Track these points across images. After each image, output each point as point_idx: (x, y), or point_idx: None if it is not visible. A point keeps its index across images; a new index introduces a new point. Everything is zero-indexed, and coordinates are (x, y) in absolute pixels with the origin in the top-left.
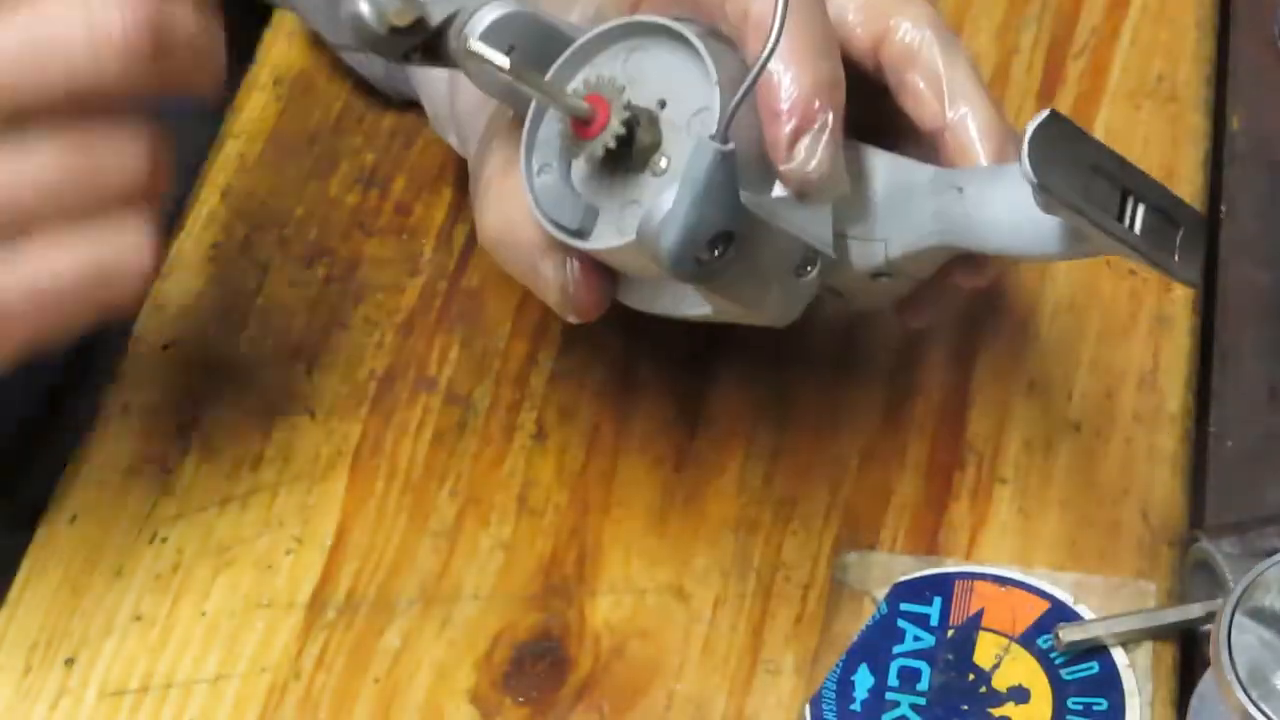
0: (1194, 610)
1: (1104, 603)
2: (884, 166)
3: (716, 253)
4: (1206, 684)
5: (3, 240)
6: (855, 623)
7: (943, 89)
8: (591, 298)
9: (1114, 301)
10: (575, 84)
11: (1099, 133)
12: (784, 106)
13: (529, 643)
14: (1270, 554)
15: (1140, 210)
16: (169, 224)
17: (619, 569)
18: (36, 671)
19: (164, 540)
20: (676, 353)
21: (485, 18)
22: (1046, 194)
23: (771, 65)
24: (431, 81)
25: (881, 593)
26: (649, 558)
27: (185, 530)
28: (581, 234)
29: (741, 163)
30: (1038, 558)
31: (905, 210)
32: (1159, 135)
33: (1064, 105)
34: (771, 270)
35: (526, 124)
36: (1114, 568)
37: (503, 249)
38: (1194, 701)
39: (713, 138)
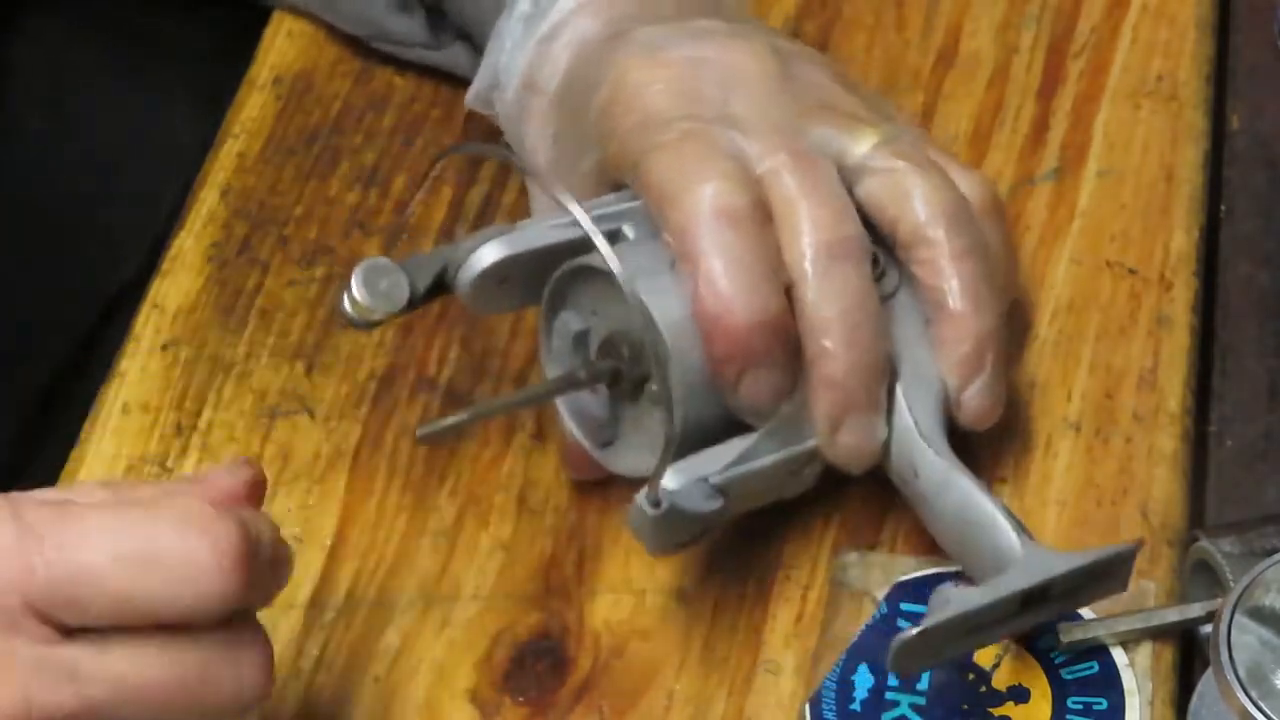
0: (1194, 610)
1: (1104, 602)
2: None
3: (703, 530)
4: (1206, 684)
5: None
6: (855, 623)
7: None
8: (577, 467)
9: (1114, 301)
10: (569, 309)
11: (1098, 132)
12: (724, 351)
13: (529, 643)
14: (1270, 553)
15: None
16: (169, 223)
17: (619, 569)
18: None
19: None
20: None
21: (473, 269)
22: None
23: (710, 304)
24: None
25: (881, 593)
26: (648, 558)
27: None
28: (606, 445)
29: (703, 380)
30: None
31: None
32: (1159, 135)
33: (1064, 104)
34: (775, 481)
35: (540, 336)
36: None
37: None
38: (1194, 701)
39: (647, 497)
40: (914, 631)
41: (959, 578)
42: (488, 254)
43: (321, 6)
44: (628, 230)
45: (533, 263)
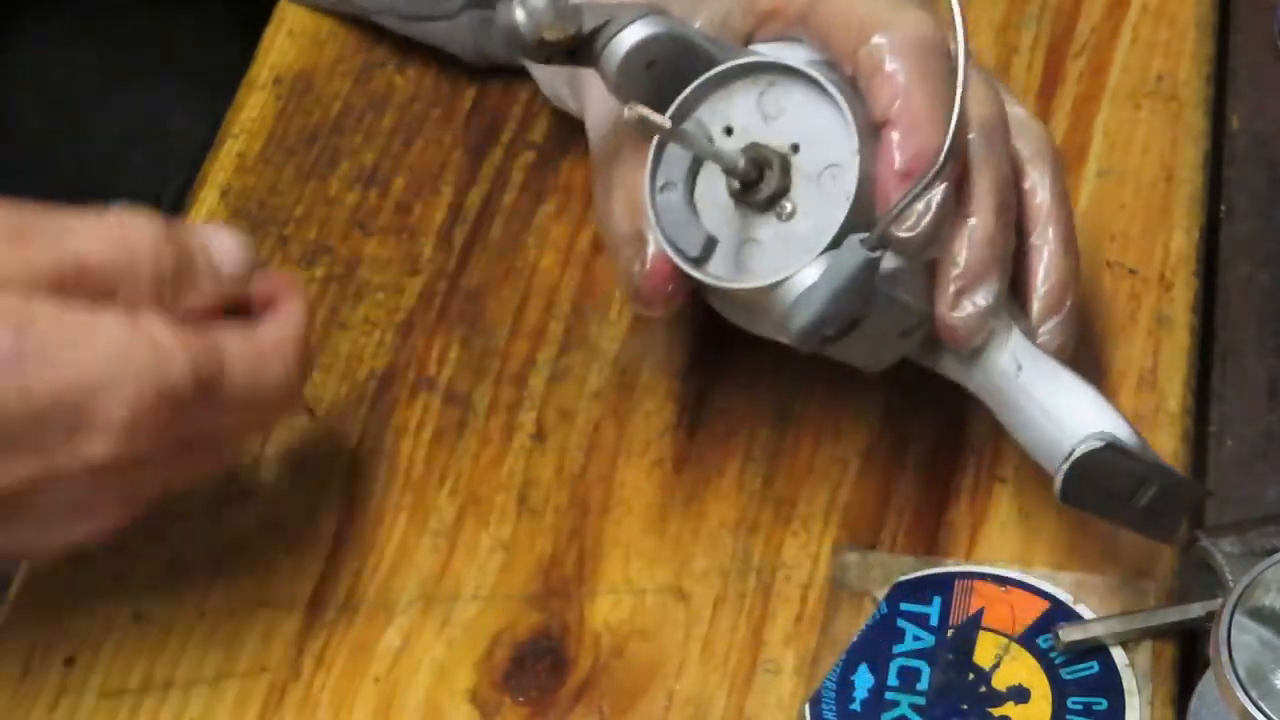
0: (1194, 610)
1: (1104, 602)
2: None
3: (840, 331)
4: (1206, 684)
5: None
6: (855, 623)
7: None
8: (656, 298)
9: (1114, 301)
10: (706, 112)
11: (1098, 132)
12: (904, 169)
13: (529, 643)
14: (1270, 553)
15: (1148, 493)
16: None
17: (619, 569)
18: (36, 671)
19: (164, 540)
20: (677, 354)
21: (631, 37)
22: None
23: (898, 125)
24: None
25: (881, 593)
26: (649, 558)
27: (185, 530)
28: (698, 261)
29: (866, 197)
30: (1037, 557)
31: None
32: (1159, 135)
33: (1064, 104)
34: (883, 336)
35: (654, 140)
36: (1114, 567)
37: (601, 226)
38: (1194, 701)
39: (863, 241)
40: (1099, 446)
41: (960, 578)
42: (647, 26)
43: None
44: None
45: (681, 56)
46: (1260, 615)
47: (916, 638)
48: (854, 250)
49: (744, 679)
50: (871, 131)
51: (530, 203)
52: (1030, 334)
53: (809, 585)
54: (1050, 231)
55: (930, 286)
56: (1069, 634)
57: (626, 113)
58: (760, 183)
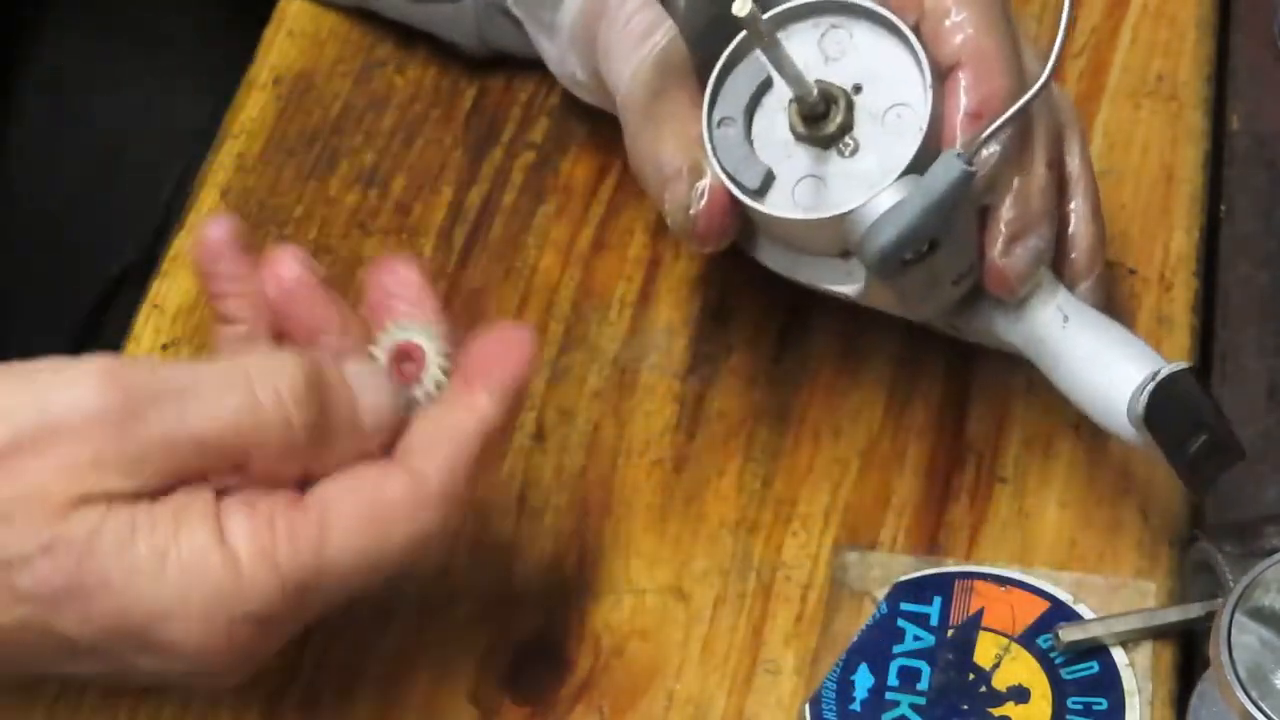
0: (1194, 610)
1: (1104, 602)
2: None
3: (916, 256)
4: (1206, 684)
5: None
6: (855, 623)
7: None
8: (712, 230)
9: (1114, 301)
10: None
11: (1098, 132)
12: (974, 110)
13: (529, 643)
14: (1270, 554)
15: (1200, 440)
16: (165, 222)
17: (619, 569)
18: None
19: None
20: (676, 354)
21: None
22: (1144, 433)
23: (967, 68)
24: (558, 11)
25: (881, 592)
26: (649, 558)
27: None
28: (756, 194)
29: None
30: (1037, 557)
31: None
32: (1159, 135)
33: None
34: (941, 275)
35: (714, 74)
36: (1114, 568)
37: (645, 167)
38: (1194, 701)
39: (959, 156)
40: (1184, 367)
41: (960, 578)
42: None
43: None
44: None
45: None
46: (1260, 615)
47: (916, 638)
48: (949, 165)
49: (744, 679)
50: (936, 76)
51: (530, 203)
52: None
53: (809, 585)
54: (1080, 198)
55: (981, 237)
56: (1069, 634)
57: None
58: (825, 118)
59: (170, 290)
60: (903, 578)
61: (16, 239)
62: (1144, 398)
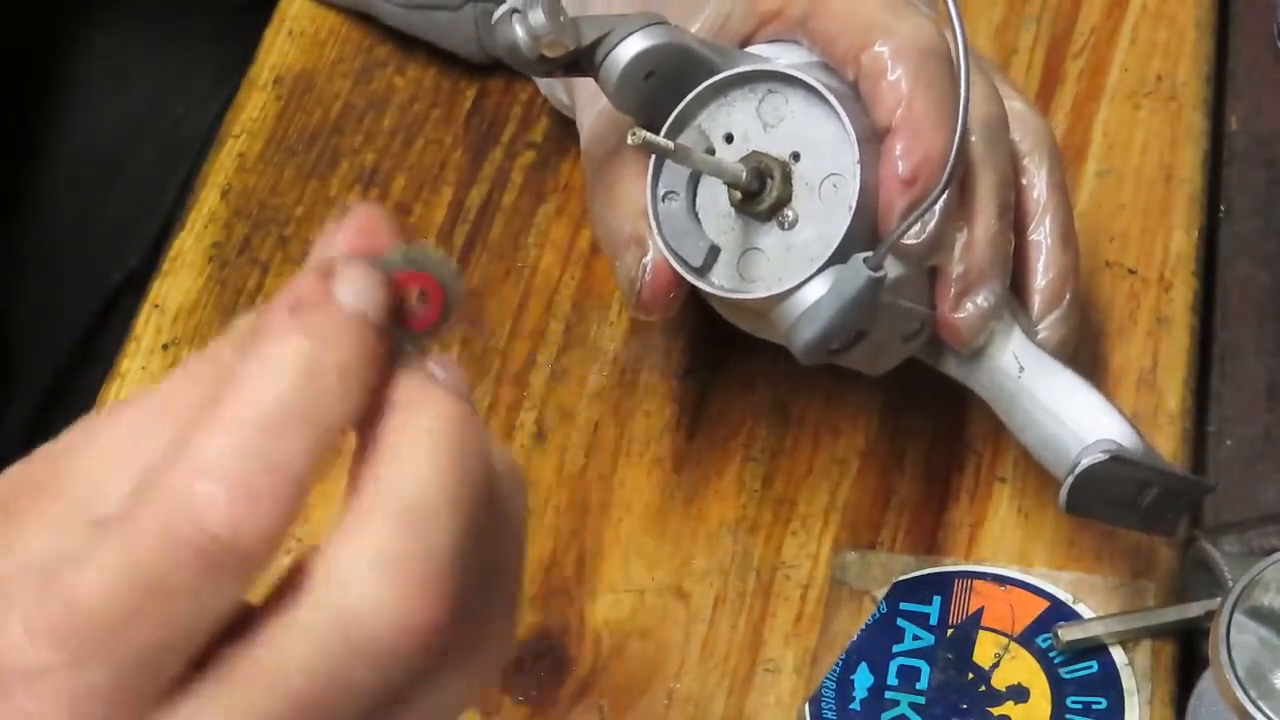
0: (1193, 610)
1: (1103, 602)
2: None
3: (845, 344)
4: (1206, 683)
5: None
6: (855, 622)
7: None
8: (656, 303)
9: (1114, 301)
10: (706, 120)
11: (1098, 132)
12: (908, 176)
13: (529, 642)
14: (1270, 553)
15: (1152, 493)
16: (169, 223)
17: (619, 569)
18: None
19: None
20: (676, 354)
21: (629, 49)
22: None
23: (901, 132)
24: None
25: (881, 592)
26: (649, 558)
27: None
28: (700, 271)
29: (868, 204)
30: (1037, 557)
31: None
32: (1158, 135)
33: (1063, 105)
34: (886, 342)
35: (652, 161)
36: (1113, 567)
37: (597, 228)
38: (1193, 701)
39: (866, 261)
40: (1104, 459)
41: (959, 577)
42: (647, 37)
43: None
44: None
45: (681, 64)
46: (1260, 615)
47: (916, 637)
48: (858, 269)
49: (744, 678)
50: (873, 138)
51: (530, 203)
52: (1031, 330)
53: (809, 585)
54: (1048, 225)
55: (932, 289)
56: (1068, 633)
57: (630, 138)
58: (762, 193)
59: (171, 290)
60: (902, 577)
61: (21, 245)
62: (1064, 491)
